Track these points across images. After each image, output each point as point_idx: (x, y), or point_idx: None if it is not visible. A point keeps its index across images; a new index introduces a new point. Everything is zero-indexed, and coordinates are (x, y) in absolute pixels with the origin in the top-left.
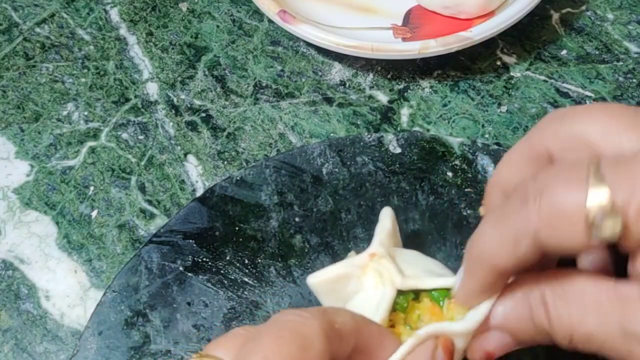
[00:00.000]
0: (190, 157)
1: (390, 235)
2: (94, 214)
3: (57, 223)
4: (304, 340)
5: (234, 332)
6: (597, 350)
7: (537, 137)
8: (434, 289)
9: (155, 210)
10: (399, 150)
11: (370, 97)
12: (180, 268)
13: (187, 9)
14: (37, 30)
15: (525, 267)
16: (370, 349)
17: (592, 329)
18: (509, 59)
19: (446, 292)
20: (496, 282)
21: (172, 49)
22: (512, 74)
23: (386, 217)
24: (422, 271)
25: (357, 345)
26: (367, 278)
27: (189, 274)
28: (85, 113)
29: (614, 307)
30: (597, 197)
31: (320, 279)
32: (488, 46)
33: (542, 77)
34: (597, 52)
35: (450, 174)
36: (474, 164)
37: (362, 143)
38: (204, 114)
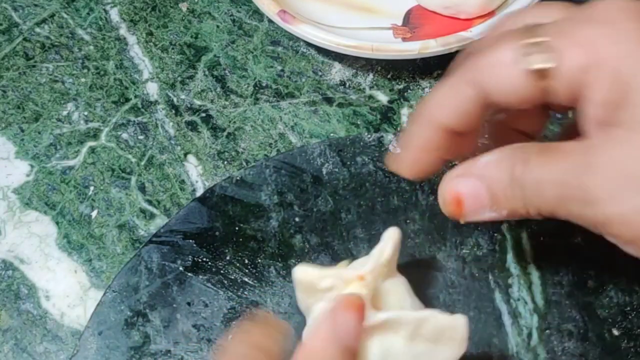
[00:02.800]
0: (190, 157)
1: (386, 264)
2: (94, 214)
3: (57, 223)
4: None
5: None
6: (556, 199)
7: (479, 41)
8: None
9: (155, 210)
10: (399, 150)
11: (370, 97)
12: (180, 268)
13: (187, 9)
14: (37, 30)
15: (465, 122)
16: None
17: (555, 172)
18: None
19: None
20: (439, 141)
21: (172, 49)
22: None
23: (389, 241)
24: (399, 307)
25: None
26: (346, 292)
27: (189, 274)
28: (85, 113)
29: (580, 152)
30: (528, 39)
31: (305, 277)
32: None
33: None
34: None
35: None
36: None
37: (362, 143)
38: (204, 114)
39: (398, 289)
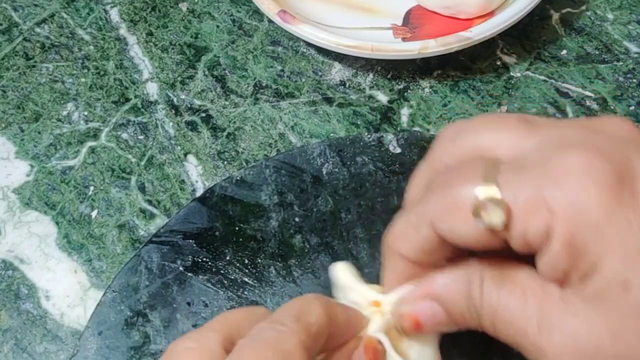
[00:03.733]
0: (190, 157)
1: None
2: (94, 214)
3: (57, 223)
4: (286, 358)
5: (212, 349)
6: (513, 339)
7: (435, 157)
8: None
9: (155, 210)
10: (399, 150)
11: (370, 97)
12: (180, 268)
13: (187, 9)
14: (37, 30)
15: (428, 256)
16: (339, 333)
17: (513, 313)
18: (509, 59)
19: None
20: (409, 271)
21: (172, 49)
22: (512, 74)
23: None
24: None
25: (329, 334)
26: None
27: (189, 274)
28: (85, 113)
29: (537, 299)
30: (486, 191)
31: (340, 279)
32: (488, 46)
33: (542, 77)
34: (597, 52)
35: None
36: None
37: (362, 143)
38: (204, 114)
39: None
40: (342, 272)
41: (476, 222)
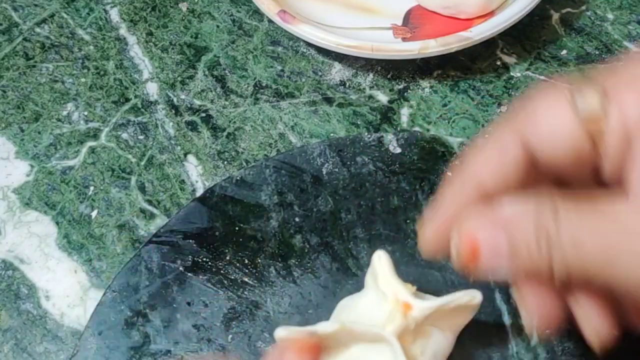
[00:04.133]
0: (190, 157)
1: (444, 312)
2: (94, 214)
3: (57, 223)
4: None
5: None
6: (604, 271)
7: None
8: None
9: (155, 210)
10: (399, 150)
11: (370, 97)
12: (180, 268)
13: (187, 9)
14: (37, 30)
15: (509, 184)
16: None
17: (607, 234)
18: (509, 59)
19: None
20: (470, 205)
21: (172, 49)
22: (512, 74)
23: (465, 297)
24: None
25: None
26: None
27: (189, 274)
28: (85, 113)
29: (634, 212)
30: (579, 84)
31: (379, 267)
32: (488, 46)
33: (542, 77)
34: (597, 52)
35: (450, 174)
36: None
37: (362, 143)
38: (204, 114)
39: (438, 343)
40: (383, 261)
41: (574, 108)
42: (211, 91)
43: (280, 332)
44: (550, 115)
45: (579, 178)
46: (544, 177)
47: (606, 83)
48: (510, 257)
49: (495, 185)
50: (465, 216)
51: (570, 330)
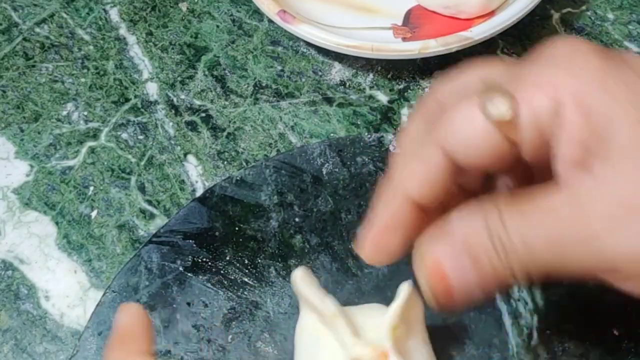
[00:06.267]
0: (190, 157)
1: (400, 323)
2: (94, 214)
3: (56, 223)
4: None
5: None
6: (558, 256)
7: (431, 95)
8: None
9: (155, 211)
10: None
11: (370, 97)
12: (180, 268)
13: (187, 9)
14: (37, 30)
15: (435, 192)
16: None
17: (551, 226)
18: (510, 59)
19: None
20: (406, 216)
21: (172, 49)
22: None
23: (397, 300)
24: None
25: None
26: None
27: (189, 274)
28: (85, 113)
29: (568, 197)
30: (488, 90)
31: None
32: (488, 46)
33: None
34: None
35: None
36: None
37: (362, 143)
38: (203, 114)
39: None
40: (327, 303)
41: (486, 118)
42: (211, 91)
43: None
44: (465, 124)
45: (514, 174)
46: (476, 177)
47: (512, 86)
48: (477, 273)
49: (423, 195)
50: (421, 244)
51: (570, 330)
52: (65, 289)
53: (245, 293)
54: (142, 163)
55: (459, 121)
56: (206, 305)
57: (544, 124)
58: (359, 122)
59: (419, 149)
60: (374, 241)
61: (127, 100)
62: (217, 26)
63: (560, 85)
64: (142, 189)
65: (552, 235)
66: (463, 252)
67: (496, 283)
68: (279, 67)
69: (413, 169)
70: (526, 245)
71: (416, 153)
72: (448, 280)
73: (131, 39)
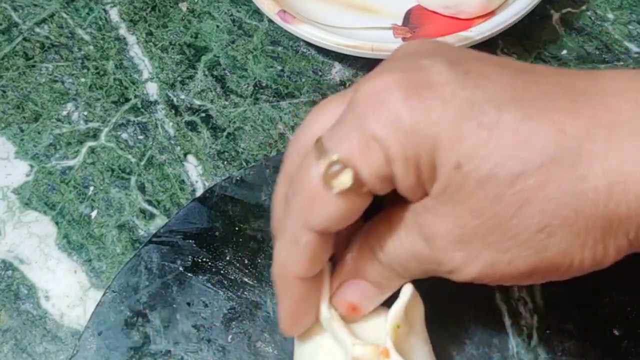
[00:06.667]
0: (190, 157)
1: (401, 324)
2: (94, 214)
3: (56, 223)
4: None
5: None
6: (422, 271)
7: (287, 164)
8: None
9: (155, 211)
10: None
11: None
12: (180, 268)
13: (187, 8)
14: (37, 30)
15: (319, 262)
16: None
17: (408, 249)
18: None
19: None
20: (306, 292)
21: (172, 49)
22: None
23: (398, 301)
24: None
25: None
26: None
27: (189, 274)
28: (85, 113)
29: (413, 223)
30: (323, 162)
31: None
32: (488, 46)
33: None
34: (597, 52)
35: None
36: None
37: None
38: (203, 114)
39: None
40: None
41: (333, 194)
42: (211, 91)
43: None
44: (319, 207)
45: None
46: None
47: (343, 146)
48: (379, 292)
49: (311, 270)
50: (333, 296)
51: (570, 330)
52: (65, 289)
53: (245, 293)
54: (142, 163)
55: (311, 201)
56: (206, 305)
57: (383, 173)
58: None
59: (286, 224)
60: (290, 321)
61: (127, 100)
62: (217, 26)
63: (382, 138)
64: (142, 189)
65: (416, 259)
66: (366, 285)
67: (392, 289)
68: (279, 67)
69: (290, 252)
70: (399, 263)
71: (285, 231)
72: (358, 307)
73: (131, 39)
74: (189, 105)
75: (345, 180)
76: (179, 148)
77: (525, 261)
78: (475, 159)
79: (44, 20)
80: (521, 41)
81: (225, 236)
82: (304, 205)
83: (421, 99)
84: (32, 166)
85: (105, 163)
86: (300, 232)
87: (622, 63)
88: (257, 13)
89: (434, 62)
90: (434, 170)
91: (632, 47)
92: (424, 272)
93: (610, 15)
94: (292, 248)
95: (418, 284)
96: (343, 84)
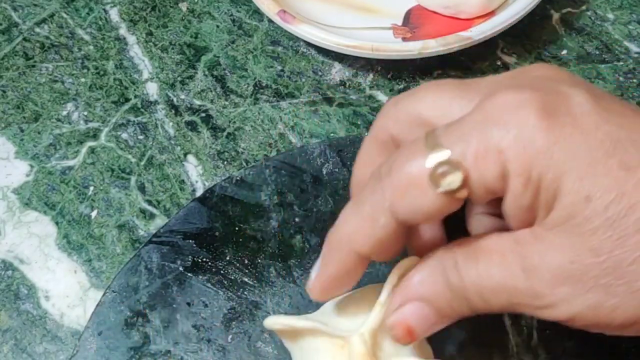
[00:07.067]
0: (190, 157)
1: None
2: (94, 214)
3: (56, 223)
4: None
5: None
6: (509, 303)
7: (379, 126)
8: None
9: (155, 211)
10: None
11: (370, 97)
12: (180, 268)
13: (187, 8)
14: (37, 30)
15: (385, 249)
16: None
17: (498, 279)
18: (510, 59)
19: None
20: (355, 268)
21: (172, 49)
22: None
23: (385, 287)
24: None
25: None
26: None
27: (189, 274)
28: (85, 113)
29: (514, 253)
30: (435, 158)
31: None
32: (488, 46)
33: None
34: (597, 52)
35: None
36: None
37: (362, 143)
38: (203, 114)
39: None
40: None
41: (436, 191)
42: (211, 91)
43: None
44: (415, 198)
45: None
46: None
47: (457, 147)
48: (439, 320)
49: (371, 252)
50: (390, 308)
51: (570, 330)
52: (65, 289)
53: (245, 293)
54: (142, 163)
55: (408, 190)
56: (206, 305)
57: (492, 185)
58: (359, 122)
59: (368, 199)
60: (322, 286)
61: (127, 100)
62: (217, 26)
63: (505, 152)
64: (142, 189)
65: (504, 291)
66: (426, 307)
67: (455, 319)
68: (279, 67)
69: (362, 227)
70: (478, 293)
71: (365, 205)
72: (414, 331)
73: (131, 39)
74: (189, 105)
75: (454, 181)
76: (179, 148)
77: (631, 310)
78: (608, 196)
79: (44, 20)
80: (521, 41)
81: (225, 236)
82: (398, 189)
83: (559, 124)
84: (32, 166)
85: (105, 163)
86: (382, 212)
87: (622, 63)
88: (257, 13)
89: (577, 92)
90: (554, 197)
91: (632, 47)
92: (507, 306)
93: (610, 15)
94: (366, 224)
95: None
96: (343, 84)
